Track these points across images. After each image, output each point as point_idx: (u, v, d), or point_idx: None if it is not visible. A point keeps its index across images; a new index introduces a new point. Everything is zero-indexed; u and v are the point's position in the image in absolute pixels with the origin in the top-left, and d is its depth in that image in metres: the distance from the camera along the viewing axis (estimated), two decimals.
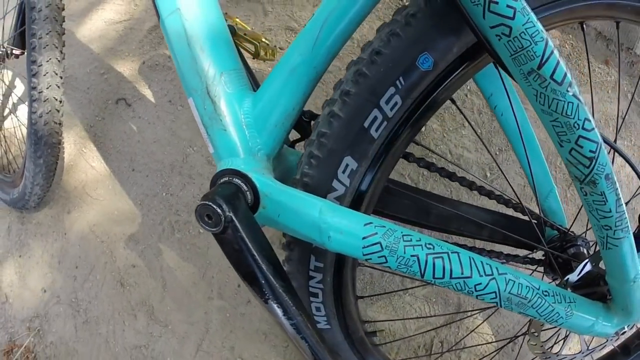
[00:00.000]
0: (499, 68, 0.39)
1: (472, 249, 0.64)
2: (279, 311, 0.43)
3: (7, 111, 1.19)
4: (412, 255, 0.42)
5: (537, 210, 0.64)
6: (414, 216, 0.58)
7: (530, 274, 0.51)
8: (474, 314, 0.85)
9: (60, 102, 0.83)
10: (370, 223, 0.42)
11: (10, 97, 1.18)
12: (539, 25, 0.34)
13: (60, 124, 0.85)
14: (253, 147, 0.46)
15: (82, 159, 1.00)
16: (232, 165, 0.45)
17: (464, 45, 0.39)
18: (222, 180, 0.45)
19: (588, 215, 0.44)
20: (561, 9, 0.42)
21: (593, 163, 0.38)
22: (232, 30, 0.67)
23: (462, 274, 0.44)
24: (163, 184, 0.91)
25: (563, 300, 0.49)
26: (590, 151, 0.38)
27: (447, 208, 0.58)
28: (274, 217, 0.44)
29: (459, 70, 0.41)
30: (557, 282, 0.59)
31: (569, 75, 0.36)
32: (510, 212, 0.64)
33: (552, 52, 0.35)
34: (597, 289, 0.52)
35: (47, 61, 0.79)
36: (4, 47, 0.94)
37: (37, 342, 0.93)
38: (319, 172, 0.43)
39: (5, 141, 1.14)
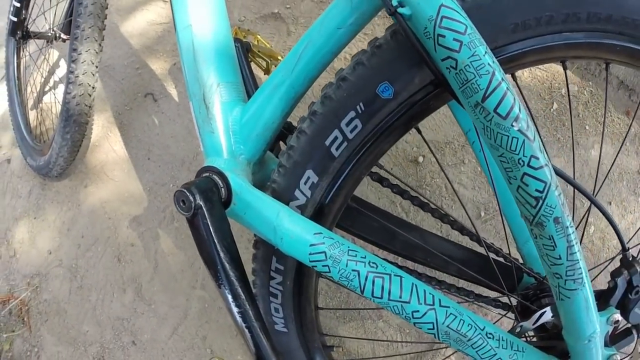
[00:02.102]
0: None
1: (431, 279, 0.66)
2: (229, 297, 0.48)
3: (48, 87, 1.35)
4: (353, 270, 0.47)
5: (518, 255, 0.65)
6: (380, 239, 0.63)
7: (500, 319, 0.53)
8: (446, 354, 0.86)
9: (93, 87, 0.94)
10: (320, 233, 0.47)
11: (53, 76, 1.34)
12: (486, 59, 0.37)
13: (90, 106, 0.96)
14: (236, 151, 0.53)
15: (107, 141, 1.11)
16: (215, 164, 0.52)
17: (427, 77, 0.43)
18: (203, 175, 0.52)
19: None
20: (536, 47, 0.43)
21: (540, 203, 0.38)
22: (247, 47, 0.75)
23: (401, 297, 0.47)
24: (172, 176, 1.00)
25: (509, 347, 0.49)
26: (537, 190, 0.38)
27: (411, 237, 0.63)
28: (241, 214, 0.51)
29: (421, 101, 0.44)
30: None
31: (516, 109, 0.37)
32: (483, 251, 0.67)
33: (497, 86, 0.37)
34: (557, 344, 0.53)
35: (87, 51, 0.90)
36: (53, 31, 1.09)
37: (32, 297, 1.03)
38: (284, 180, 0.50)
39: (42, 114, 1.30)
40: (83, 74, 0.91)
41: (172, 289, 0.93)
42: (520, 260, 0.69)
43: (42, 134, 1.24)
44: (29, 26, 1.18)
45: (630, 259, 0.49)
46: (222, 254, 0.48)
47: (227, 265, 0.48)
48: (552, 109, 0.98)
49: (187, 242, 0.95)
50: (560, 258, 0.41)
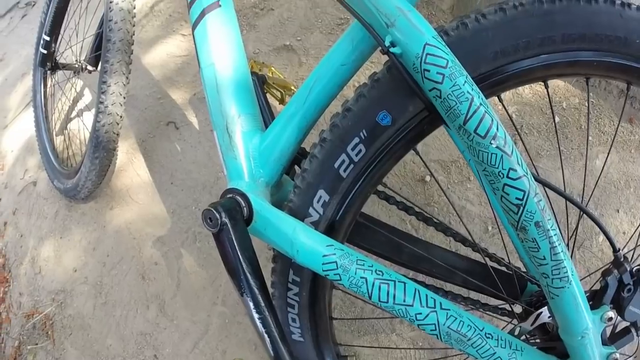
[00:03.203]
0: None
1: (438, 289, 0.73)
2: (251, 304, 0.56)
3: (73, 114, 1.48)
4: (361, 277, 0.54)
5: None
6: (387, 252, 0.69)
7: (506, 325, 0.58)
8: None
9: (121, 117, 1.05)
10: (332, 245, 0.55)
11: (78, 104, 1.47)
12: (466, 87, 0.44)
13: (117, 134, 1.07)
14: (256, 174, 0.61)
15: (131, 166, 1.22)
16: (237, 186, 0.60)
17: (420, 105, 0.50)
18: (227, 195, 0.60)
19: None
20: (516, 70, 0.50)
21: (521, 210, 0.45)
22: (263, 79, 0.85)
23: (405, 301, 0.54)
24: (194, 199, 1.09)
25: (507, 346, 0.54)
26: (517, 198, 0.44)
27: (417, 249, 0.70)
28: (262, 230, 0.59)
29: (416, 125, 0.52)
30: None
31: (493, 129, 0.43)
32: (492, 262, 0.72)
33: (475, 110, 0.43)
34: (556, 344, 0.57)
35: (115, 84, 1.02)
36: (80, 63, 1.23)
37: (57, 312, 1.12)
38: (299, 199, 0.58)
39: (68, 139, 1.42)
40: (112, 105, 1.02)
41: (194, 305, 1.01)
42: (523, 269, 0.75)
43: (68, 158, 1.36)
44: (57, 58, 1.31)
45: (622, 259, 0.55)
46: (244, 265, 0.55)
47: (249, 276, 0.55)
48: (554, 123, 1.04)
49: (208, 261, 1.03)
50: (544, 258, 0.46)
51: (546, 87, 0.57)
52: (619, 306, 0.54)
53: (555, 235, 0.46)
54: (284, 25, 1.15)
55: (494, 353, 0.55)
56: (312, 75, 0.58)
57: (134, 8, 1.03)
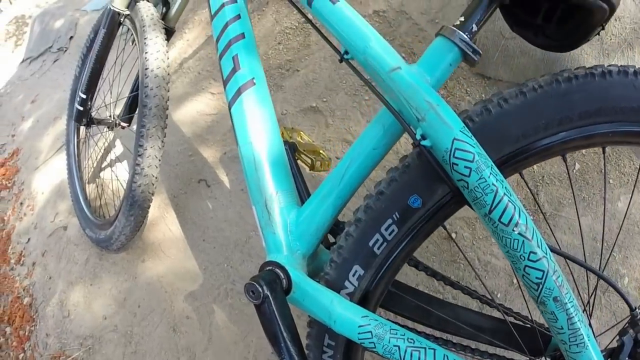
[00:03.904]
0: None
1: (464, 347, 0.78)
2: None
3: (106, 165, 1.61)
4: (394, 345, 0.60)
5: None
6: (416, 316, 0.76)
7: None
8: None
9: (156, 178, 1.16)
10: (367, 316, 0.61)
11: (110, 155, 1.60)
12: (491, 179, 0.51)
13: (152, 193, 1.17)
14: (293, 247, 0.69)
15: (163, 221, 1.31)
16: (276, 259, 0.68)
17: (447, 189, 0.58)
18: (267, 268, 0.68)
19: (550, 329, 0.57)
20: (537, 149, 0.56)
21: (540, 287, 0.52)
22: (294, 148, 0.94)
23: None
24: (226, 257, 1.17)
25: None
26: (537, 278, 0.52)
27: (443, 314, 0.76)
28: (300, 300, 0.66)
29: (444, 206, 0.59)
30: None
31: (516, 217, 0.51)
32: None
33: (500, 200, 0.51)
34: None
35: (151, 147, 1.12)
36: (114, 119, 1.35)
37: (85, 358, 1.19)
38: (335, 273, 0.65)
39: (100, 189, 1.53)
40: (148, 167, 1.12)
41: (226, 359, 1.07)
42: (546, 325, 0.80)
43: (100, 207, 1.47)
44: (92, 114, 1.43)
45: (638, 317, 0.60)
46: (285, 334, 0.62)
47: (289, 343, 0.62)
48: (574, 170, 1.10)
49: (240, 317, 1.10)
50: (562, 328, 0.54)
51: (564, 160, 0.63)
52: None
53: (572, 307, 0.53)
54: (310, 87, 1.26)
55: None
56: (346, 157, 0.66)
57: (169, 75, 1.15)
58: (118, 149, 1.61)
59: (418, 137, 0.57)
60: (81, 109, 1.39)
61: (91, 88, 1.35)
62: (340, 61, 0.69)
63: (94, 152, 1.61)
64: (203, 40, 1.56)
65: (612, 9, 0.57)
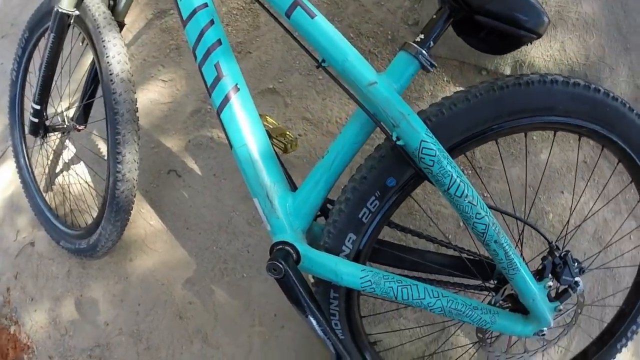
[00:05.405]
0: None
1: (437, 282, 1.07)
2: (314, 322, 0.87)
3: (64, 170, 1.66)
4: (389, 287, 0.87)
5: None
6: (394, 263, 1.03)
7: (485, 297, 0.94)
8: (453, 330, 1.27)
9: (136, 180, 1.29)
10: (364, 270, 0.87)
11: (66, 159, 1.66)
12: (447, 167, 0.78)
13: (134, 195, 1.30)
14: (294, 226, 0.91)
15: (141, 217, 1.45)
16: (283, 239, 0.89)
17: (413, 171, 0.84)
18: (277, 247, 0.89)
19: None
20: (476, 138, 0.84)
21: (485, 235, 0.82)
22: (268, 134, 1.12)
23: (419, 297, 0.88)
24: (213, 240, 1.36)
25: (488, 312, 0.92)
26: (482, 229, 0.82)
27: (414, 258, 1.03)
28: (309, 267, 0.89)
29: (412, 183, 0.86)
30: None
31: (466, 191, 0.79)
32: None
33: (454, 181, 0.78)
34: (519, 306, 0.95)
35: (129, 153, 1.24)
36: (70, 123, 1.42)
37: None
38: (334, 241, 0.88)
39: (65, 195, 1.60)
40: (128, 172, 1.25)
41: (234, 331, 1.29)
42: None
43: (68, 215, 1.56)
44: (46, 123, 1.47)
45: (554, 249, 0.92)
46: (305, 296, 0.86)
47: (309, 303, 0.86)
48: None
49: (239, 291, 1.31)
50: (502, 260, 0.84)
51: (497, 144, 0.94)
52: (557, 277, 0.91)
53: (507, 245, 0.84)
54: (264, 68, 1.42)
55: (481, 318, 0.92)
56: (332, 150, 0.89)
57: (132, 75, 1.23)
58: (73, 150, 1.66)
59: (394, 138, 0.81)
60: (36, 120, 1.42)
61: (44, 97, 1.40)
62: (318, 67, 0.88)
63: (47, 158, 1.65)
64: (143, 23, 1.61)
65: (540, 36, 0.81)
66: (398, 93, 0.82)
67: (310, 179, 0.91)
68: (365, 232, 0.88)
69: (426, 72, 0.83)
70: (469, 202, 0.79)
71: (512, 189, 1.27)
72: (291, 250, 0.89)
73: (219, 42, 0.93)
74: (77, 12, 1.26)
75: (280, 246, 0.89)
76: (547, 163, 1.27)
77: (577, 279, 0.93)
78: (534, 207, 1.31)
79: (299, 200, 0.91)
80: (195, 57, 0.94)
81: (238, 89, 0.92)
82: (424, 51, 0.81)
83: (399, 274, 0.91)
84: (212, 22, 0.93)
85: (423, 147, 0.78)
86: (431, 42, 0.82)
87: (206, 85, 0.94)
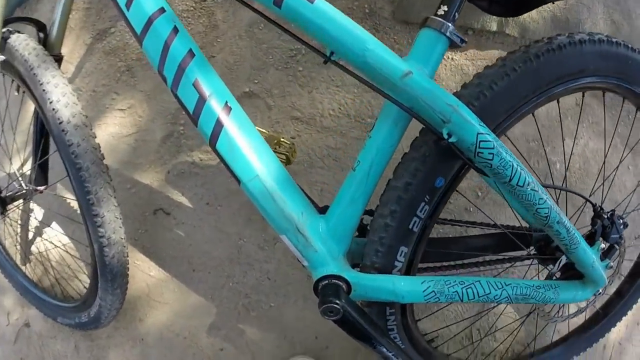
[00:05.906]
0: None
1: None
2: (384, 349, 0.81)
3: (36, 238, 1.49)
4: (453, 292, 0.81)
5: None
6: (441, 259, 0.98)
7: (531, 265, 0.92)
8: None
9: (124, 239, 1.14)
10: (425, 281, 0.81)
11: (35, 224, 1.49)
12: (507, 157, 0.72)
13: (127, 255, 1.17)
14: (334, 253, 0.83)
15: (138, 270, 1.32)
16: (327, 272, 0.81)
17: (457, 165, 0.78)
18: (323, 283, 0.81)
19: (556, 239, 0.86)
20: (518, 115, 0.79)
21: (548, 218, 0.79)
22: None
23: (485, 293, 0.84)
24: (226, 276, 1.26)
25: (550, 288, 0.91)
26: (545, 213, 0.79)
27: (459, 248, 0.98)
28: (364, 294, 0.82)
29: (460, 177, 0.80)
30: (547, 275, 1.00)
31: (527, 179, 0.74)
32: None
33: (515, 171, 0.73)
34: (574, 273, 0.95)
35: (108, 211, 1.09)
36: (28, 187, 1.27)
37: None
38: (384, 259, 0.81)
39: (44, 265, 1.45)
40: (113, 233, 1.11)
41: None
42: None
43: (55, 287, 1.41)
44: (2, 195, 1.31)
45: (600, 211, 0.94)
46: (369, 329, 0.79)
47: (374, 334, 0.80)
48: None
49: (270, 323, 1.24)
50: (565, 238, 0.83)
51: (534, 116, 0.89)
52: (606, 237, 0.93)
53: (566, 222, 0.82)
54: (234, 71, 1.28)
55: (545, 296, 0.92)
56: (365, 160, 0.79)
57: (86, 117, 1.04)
58: (41, 213, 1.48)
59: (445, 135, 0.72)
60: None
61: None
62: (325, 62, 0.74)
63: (14, 230, 1.50)
64: (83, 50, 1.44)
65: None
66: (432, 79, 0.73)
67: (343, 195, 0.81)
68: (416, 241, 0.82)
69: (456, 48, 0.74)
70: (531, 189, 0.75)
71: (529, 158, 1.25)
72: (340, 283, 0.81)
73: (191, 53, 0.76)
74: (1, 57, 1.07)
75: (326, 281, 0.81)
76: (577, 129, 1.23)
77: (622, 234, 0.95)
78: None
79: (333, 223, 0.82)
80: (165, 80, 0.77)
81: (230, 109, 0.78)
82: (450, 25, 0.72)
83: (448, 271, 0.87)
84: (175, 30, 0.76)
85: (480, 141, 0.70)
86: (456, 14, 0.72)
87: (188, 113, 0.77)
